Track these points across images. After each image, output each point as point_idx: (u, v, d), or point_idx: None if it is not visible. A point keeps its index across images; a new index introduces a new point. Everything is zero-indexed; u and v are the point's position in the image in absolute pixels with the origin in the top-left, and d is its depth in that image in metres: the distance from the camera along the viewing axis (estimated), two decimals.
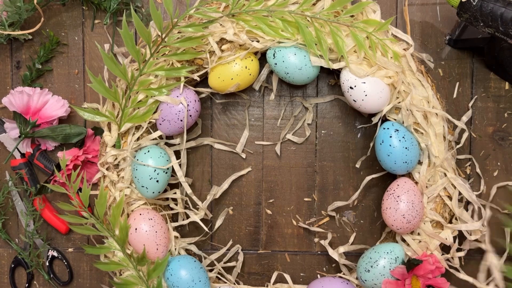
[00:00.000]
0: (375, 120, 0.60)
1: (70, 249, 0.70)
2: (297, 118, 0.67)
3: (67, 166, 0.62)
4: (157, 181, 0.60)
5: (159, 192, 0.61)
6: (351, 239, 0.67)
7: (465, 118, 0.63)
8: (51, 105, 0.64)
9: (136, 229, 0.60)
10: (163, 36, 0.56)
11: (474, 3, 0.53)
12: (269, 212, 0.69)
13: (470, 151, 0.65)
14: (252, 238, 0.69)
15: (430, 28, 0.64)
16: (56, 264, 0.70)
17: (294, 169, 0.68)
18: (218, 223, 0.68)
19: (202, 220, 0.66)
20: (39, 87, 0.65)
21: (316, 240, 0.68)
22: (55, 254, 0.69)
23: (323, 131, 0.67)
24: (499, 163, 0.65)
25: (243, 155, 0.68)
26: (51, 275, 0.70)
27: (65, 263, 0.70)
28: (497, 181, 0.65)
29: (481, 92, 0.64)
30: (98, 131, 0.66)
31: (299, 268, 0.69)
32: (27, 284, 0.70)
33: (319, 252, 0.69)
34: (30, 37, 0.66)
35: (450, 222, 0.61)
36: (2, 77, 0.68)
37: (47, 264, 0.69)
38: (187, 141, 0.67)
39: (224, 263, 0.68)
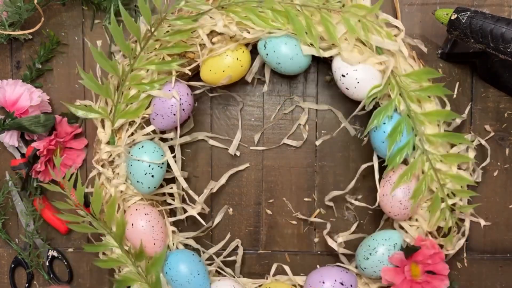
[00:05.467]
0: (368, 107, 0.60)
1: (70, 249, 0.70)
2: (295, 118, 0.67)
3: (43, 154, 0.62)
4: (152, 176, 0.60)
5: (154, 187, 0.61)
6: (353, 227, 0.66)
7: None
8: (24, 96, 0.64)
9: (132, 224, 0.60)
10: (152, 30, 0.56)
11: (463, 21, 0.54)
12: (269, 212, 0.68)
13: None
14: (252, 238, 0.69)
15: (430, 28, 0.63)
16: (56, 264, 0.70)
17: (294, 169, 0.68)
18: (217, 219, 0.68)
19: (201, 216, 0.66)
20: (39, 86, 0.65)
21: (316, 240, 0.68)
22: (55, 254, 0.69)
23: (323, 131, 0.67)
24: (499, 163, 0.65)
25: (238, 153, 0.68)
26: (51, 275, 0.69)
27: (65, 263, 0.70)
28: (497, 181, 0.65)
29: (481, 92, 0.64)
30: (67, 115, 0.66)
31: (299, 268, 0.68)
32: (27, 284, 0.70)
33: (319, 252, 0.69)
34: (30, 37, 0.66)
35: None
36: (2, 77, 0.68)
37: (47, 264, 0.69)
38: (181, 136, 0.66)
39: (224, 257, 0.68)
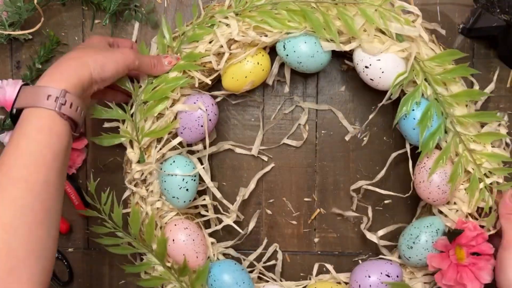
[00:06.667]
0: (394, 95, 0.60)
1: (70, 249, 0.69)
2: (295, 118, 0.67)
3: None
4: (187, 189, 0.59)
5: (190, 200, 0.61)
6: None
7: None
8: None
9: (173, 240, 0.60)
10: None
11: None
12: (269, 212, 0.68)
13: None
14: (252, 238, 0.69)
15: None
16: (56, 264, 0.69)
17: (294, 169, 0.68)
18: (251, 225, 0.68)
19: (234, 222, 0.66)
20: None
21: (316, 240, 0.68)
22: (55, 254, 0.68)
23: (323, 131, 0.67)
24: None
25: (265, 158, 0.68)
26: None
27: (65, 263, 0.69)
28: None
29: None
30: None
31: (299, 268, 0.69)
32: None
33: (319, 252, 0.69)
34: (30, 37, 0.66)
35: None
36: (2, 77, 0.67)
37: None
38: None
39: (264, 262, 0.68)
